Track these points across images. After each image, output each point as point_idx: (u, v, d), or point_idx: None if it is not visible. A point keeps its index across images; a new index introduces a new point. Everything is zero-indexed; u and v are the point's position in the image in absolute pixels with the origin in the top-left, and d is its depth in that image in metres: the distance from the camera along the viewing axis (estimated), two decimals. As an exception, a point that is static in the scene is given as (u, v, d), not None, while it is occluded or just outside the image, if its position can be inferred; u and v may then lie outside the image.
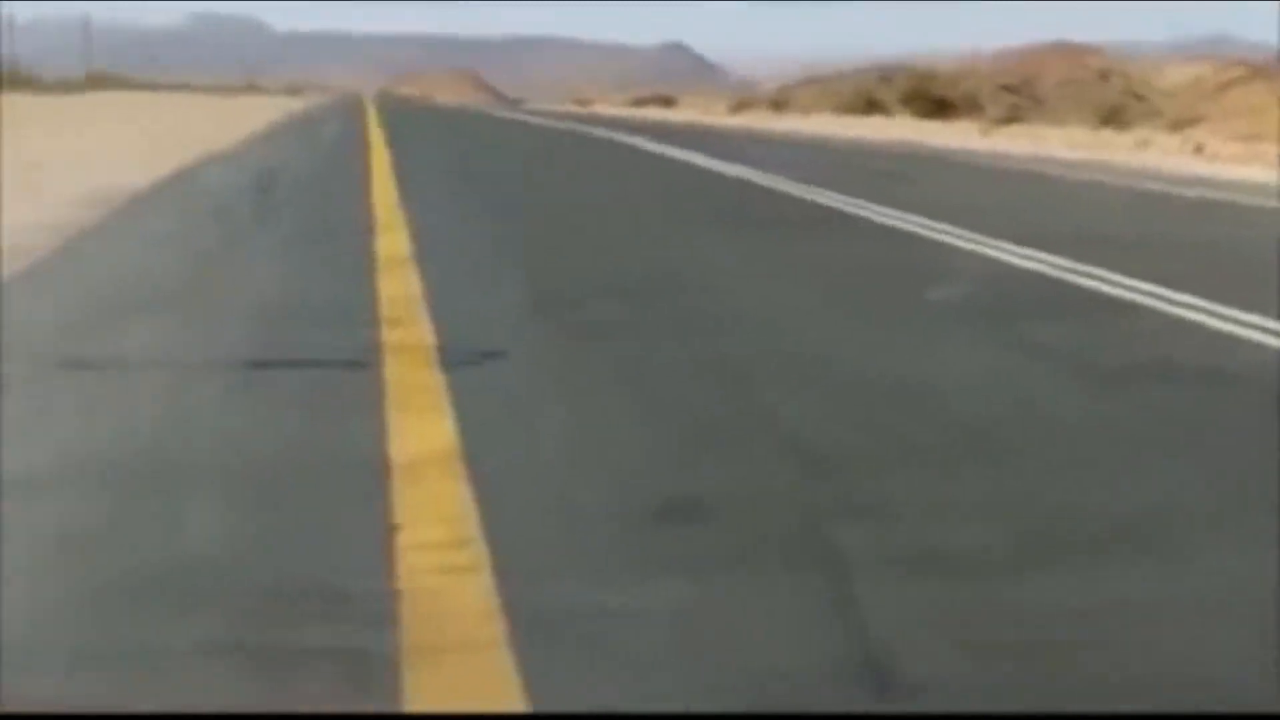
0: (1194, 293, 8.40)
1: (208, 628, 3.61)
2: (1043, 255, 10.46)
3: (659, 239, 12.11)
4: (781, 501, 4.60)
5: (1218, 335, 7.39)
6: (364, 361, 6.63)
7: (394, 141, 29.63)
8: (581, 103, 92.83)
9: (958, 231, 12.00)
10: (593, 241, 11.96)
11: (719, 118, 59.90)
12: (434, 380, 6.29)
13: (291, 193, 16.91)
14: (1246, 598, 3.81)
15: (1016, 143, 31.09)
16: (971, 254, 10.83)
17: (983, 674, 3.35)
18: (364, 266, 9.78)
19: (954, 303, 8.45)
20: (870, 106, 51.25)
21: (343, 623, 3.61)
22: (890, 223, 13.03)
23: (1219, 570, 4.04)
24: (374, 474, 4.85)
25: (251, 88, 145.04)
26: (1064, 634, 3.57)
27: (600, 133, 29.96)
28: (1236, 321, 7.63)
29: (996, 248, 11.02)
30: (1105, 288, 8.95)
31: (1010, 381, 6.40)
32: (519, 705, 3.14)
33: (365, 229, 12.13)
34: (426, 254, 10.38)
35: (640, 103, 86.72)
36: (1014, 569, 4.02)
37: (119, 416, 5.77)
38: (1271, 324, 7.47)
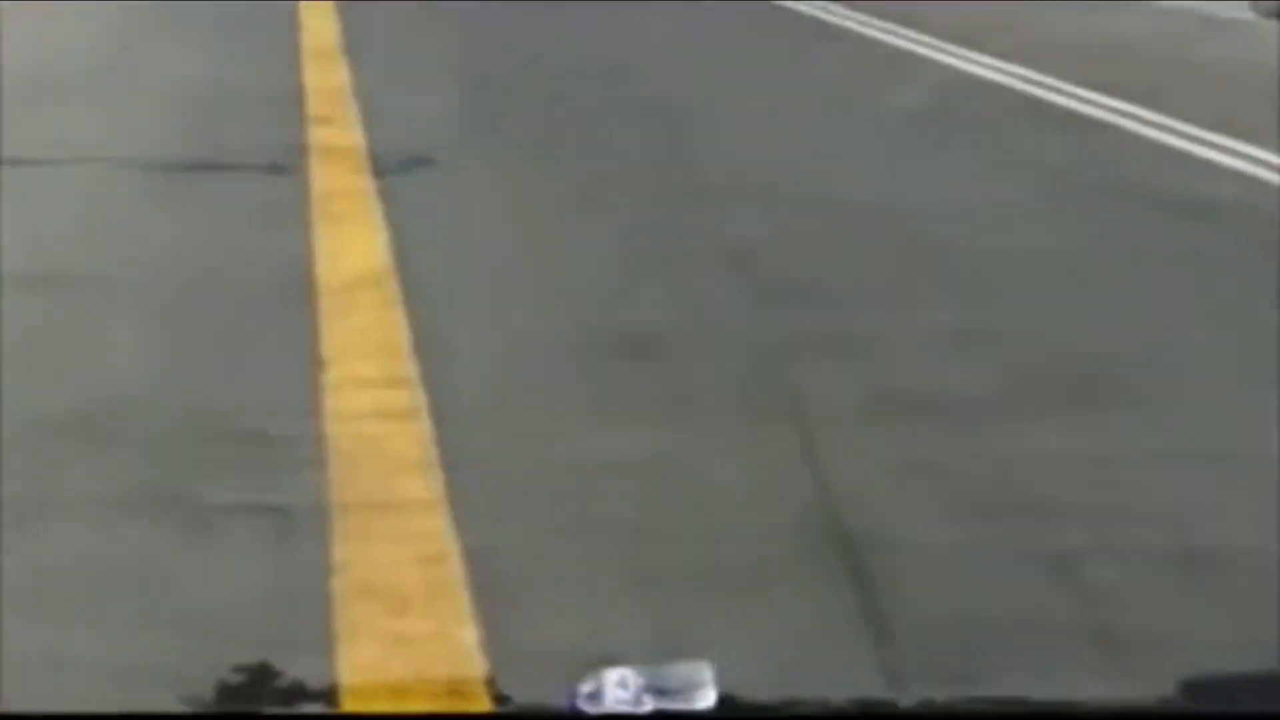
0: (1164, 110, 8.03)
1: (122, 472, 3.30)
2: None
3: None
4: (739, 335, 4.29)
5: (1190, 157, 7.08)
6: (287, 165, 6.20)
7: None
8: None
9: (929, 40, 11.50)
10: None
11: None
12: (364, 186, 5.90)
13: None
14: (1227, 444, 3.58)
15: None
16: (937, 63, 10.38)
17: (954, 531, 3.10)
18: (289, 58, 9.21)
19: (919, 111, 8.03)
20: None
21: (264, 473, 3.30)
22: (843, 23, 12.50)
23: (1197, 415, 3.80)
24: (301, 296, 4.50)
25: None
26: (1043, 486, 3.32)
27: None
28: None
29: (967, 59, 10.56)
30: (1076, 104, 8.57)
31: (986, 201, 6.05)
32: (458, 576, 2.86)
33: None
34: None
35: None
36: (988, 413, 3.75)
37: (29, 216, 5.34)
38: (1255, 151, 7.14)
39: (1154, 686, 2.56)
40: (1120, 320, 4.53)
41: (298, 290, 4.55)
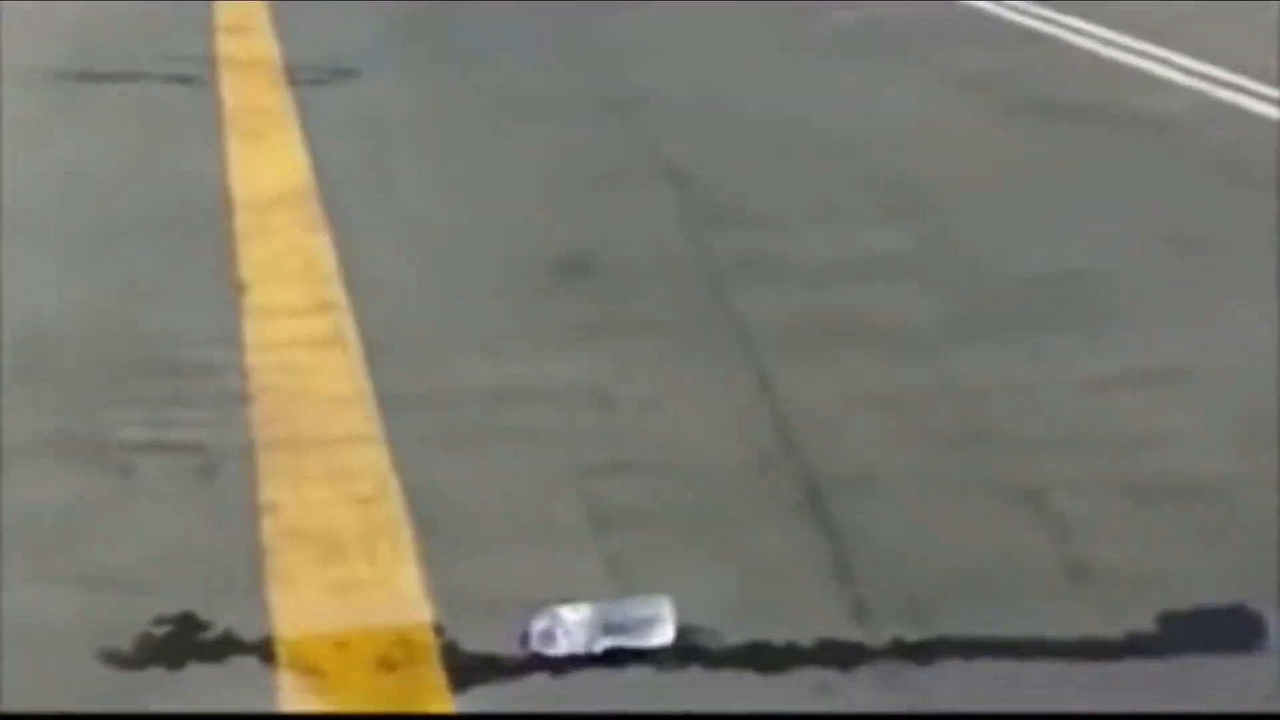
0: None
1: (29, 412, 3.07)
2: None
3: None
4: (673, 260, 4.11)
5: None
6: (199, 76, 5.91)
7: None
8: None
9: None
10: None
11: None
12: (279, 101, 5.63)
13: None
14: (1181, 364, 3.48)
15: None
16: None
17: (914, 463, 2.98)
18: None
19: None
20: None
21: (184, 408, 3.09)
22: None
23: (1148, 335, 3.68)
24: (216, 216, 4.27)
25: None
26: (1000, 415, 3.19)
27: None
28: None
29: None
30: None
31: (926, 120, 5.87)
32: (399, 516, 2.69)
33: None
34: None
35: None
36: (937, 339, 3.61)
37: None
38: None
39: (1122, 619, 2.46)
40: (1066, 239, 4.41)
41: (212, 211, 4.32)
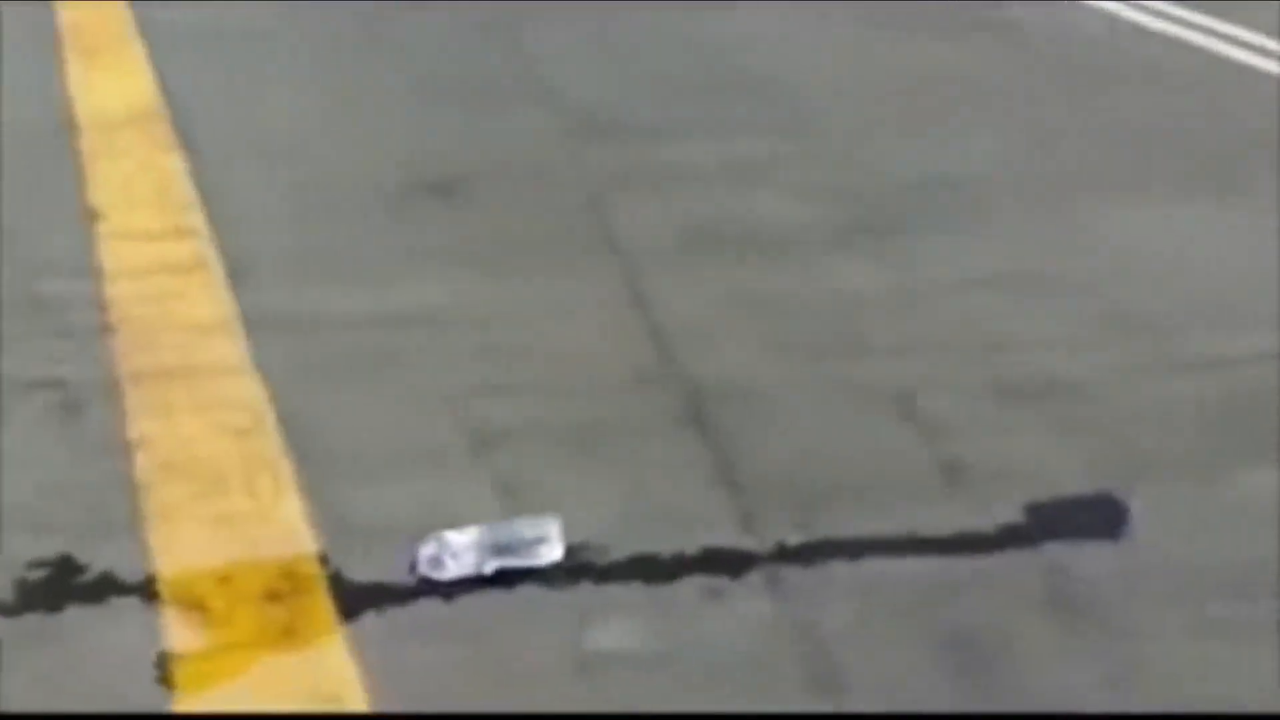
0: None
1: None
2: None
3: None
4: (546, 176, 4.06)
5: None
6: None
7: None
8: None
9: None
10: None
11: None
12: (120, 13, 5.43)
13: None
14: (1043, 269, 3.56)
15: None
16: None
17: (789, 371, 3.01)
18: None
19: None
20: None
21: (42, 340, 3.00)
22: None
23: (1011, 239, 3.75)
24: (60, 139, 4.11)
25: None
26: (871, 321, 3.23)
27: None
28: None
29: None
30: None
31: (800, 30, 5.83)
32: (275, 446, 2.65)
33: None
34: None
35: None
36: (809, 247, 3.63)
37: None
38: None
39: (993, 513, 2.54)
40: (935, 146, 4.44)
41: (55, 132, 4.16)
